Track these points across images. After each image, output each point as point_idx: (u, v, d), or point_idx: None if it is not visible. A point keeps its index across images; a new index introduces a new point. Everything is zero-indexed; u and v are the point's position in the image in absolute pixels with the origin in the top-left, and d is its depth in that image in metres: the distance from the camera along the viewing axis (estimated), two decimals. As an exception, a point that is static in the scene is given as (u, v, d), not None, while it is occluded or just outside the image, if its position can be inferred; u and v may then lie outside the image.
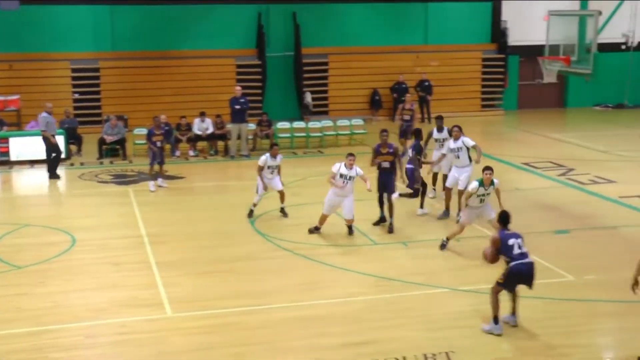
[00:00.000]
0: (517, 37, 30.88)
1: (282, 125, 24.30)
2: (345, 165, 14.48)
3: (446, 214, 15.67)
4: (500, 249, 10.15)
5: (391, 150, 14.87)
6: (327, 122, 24.94)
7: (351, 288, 11.88)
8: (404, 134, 21.81)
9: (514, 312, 10.48)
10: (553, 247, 13.89)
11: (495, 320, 10.18)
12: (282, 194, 15.96)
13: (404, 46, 29.84)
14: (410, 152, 15.89)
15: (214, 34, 28.17)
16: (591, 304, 11.30)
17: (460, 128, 15.72)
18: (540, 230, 14.82)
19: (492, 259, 10.29)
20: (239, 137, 22.36)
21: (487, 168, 13.11)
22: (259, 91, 28.13)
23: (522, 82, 31.88)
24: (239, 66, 28.19)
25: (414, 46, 30.03)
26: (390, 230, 14.63)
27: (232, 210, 16.40)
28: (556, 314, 10.84)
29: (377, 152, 15.02)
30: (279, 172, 15.97)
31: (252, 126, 23.62)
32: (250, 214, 15.81)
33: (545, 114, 30.81)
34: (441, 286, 11.88)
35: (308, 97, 28.38)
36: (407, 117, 22.21)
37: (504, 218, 10.42)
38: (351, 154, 14.55)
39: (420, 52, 30.04)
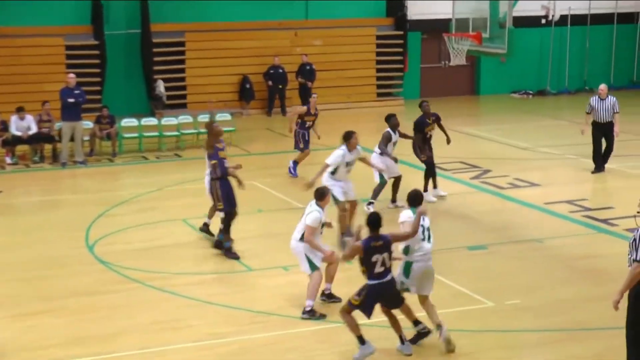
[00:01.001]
0: (417, 10, 31.54)
1: (128, 122, 23.92)
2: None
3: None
4: (361, 260, 10.50)
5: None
6: (185, 118, 24.74)
7: (219, 327, 11.77)
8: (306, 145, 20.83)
9: (402, 339, 10.76)
10: (467, 266, 14.17)
11: (361, 340, 10.50)
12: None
13: (279, 21, 29.97)
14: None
15: (36, 7, 27.46)
16: (515, 335, 11.57)
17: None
18: (450, 246, 15.08)
19: (344, 260, 11.21)
20: (72, 139, 21.87)
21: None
22: (97, 79, 27.64)
23: (425, 64, 32.58)
24: (69, 47, 27.64)
25: (292, 21, 30.21)
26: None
27: (65, 232, 16.01)
28: (473, 347, 11.03)
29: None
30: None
31: (89, 124, 23.20)
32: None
33: (454, 103, 31.53)
34: (330, 320, 11.91)
35: (160, 87, 28.06)
36: (309, 124, 20.86)
37: (373, 222, 10.60)
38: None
39: (300, 28, 30.24)
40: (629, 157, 21.86)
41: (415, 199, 11.14)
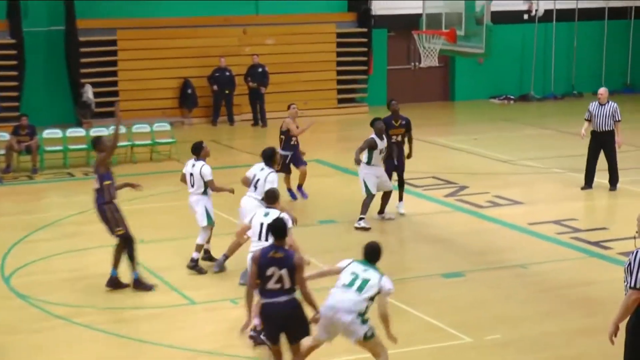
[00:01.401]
0: (383, 4, 31.70)
1: (51, 133, 23.76)
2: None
3: None
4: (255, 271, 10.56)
5: None
6: (117, 128, 24.61)
7: (156, 369, 11.70)
8: (289, 165, 19.95)
9: None
10: (442, 296, 14.19)
11: None
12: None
13: (226, 17, 29.99)
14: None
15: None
16: (496, 375, 11.61)
17: None
18: (422, 273, 15.12)
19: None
20: None
21: None
22: (13, 84, 27.52)
23: (392, 66, 32.73)
24: (-18, 47, 27.48)
25: (241, 17, 30.26)
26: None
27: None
28: (448, 391, 11.05)
29: None
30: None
31: (4, 136, 23.01)
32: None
33: (426, 110, 31.65)
34: (286, 360, 11.86)
35: (89, 92, 27.94)
36: (294, 140, 19.91)
37: (276, 228, 10.64)
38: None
39: (250, 25, 30.27)
40: (624, 171, 21.99)
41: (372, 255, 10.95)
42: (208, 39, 29.76)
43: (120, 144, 23.93)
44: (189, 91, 29.20)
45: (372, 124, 17.88)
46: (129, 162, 23.78)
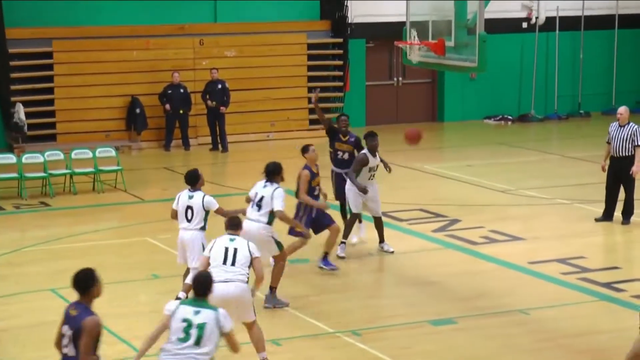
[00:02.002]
0: (361, 10, 31.83)
1: (-23, 159, 23.75)
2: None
3: None
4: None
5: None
6: (54, 154, 24.55)
7: None
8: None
9: None
10: (431, 347, 14.23)
11: None
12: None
13: (180, 25, 30.07)
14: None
15: None
16: None
17: None
18: (408, 320, 15.17)
19: None
20: None
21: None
22: None
23: (371, 82, 32.84)
24: None
25: (197, 25, 30.34)
26: None
27: None
28: None
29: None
30: None
31: None
32: None
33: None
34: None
35: (20, 113, 27.89)
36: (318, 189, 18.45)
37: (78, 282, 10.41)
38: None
39: (207, 35, 30.35)
40: (638, 201, 22.21)
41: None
42: (159, 50, 29.83)
43: (58, 172, 24.03)
44: (137, 111, 29.20)
45: (366, 138, 18.25)
46: (68, 193, 23.73)
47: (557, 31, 34.05)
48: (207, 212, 15.24)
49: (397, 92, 33.06)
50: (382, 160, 18.66)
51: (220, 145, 29.17)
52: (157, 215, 21.68)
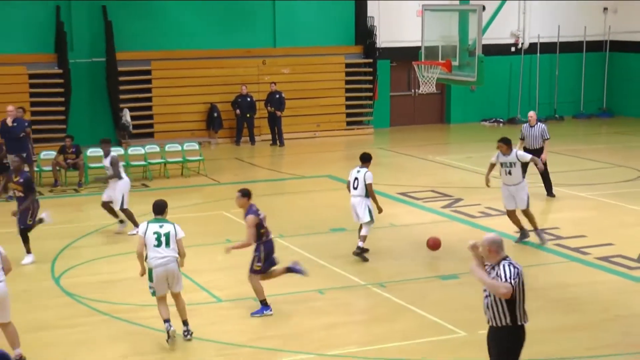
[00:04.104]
0: (387, 37, 31.80)
1: (94, 152, 23.81)
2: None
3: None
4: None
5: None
6: (152, 148, 24.71)
7: (187, 359, 11.73)
8: None
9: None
10: (440, 296, 14.23)
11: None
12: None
13: (247, 49, 30.09)
14: None
15: (-1, 34, 27.48)
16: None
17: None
18: (422, 275, 15.17)
19: None
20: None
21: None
22: (61, 108, 27.59)
23: (394, 92, 32.80)
24: (32, 76, 27.58)
25: (260, 49, 30.34)
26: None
27: (30, 265, 15.91)
28: (446, 379, 11.09)
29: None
30: None
31: (51, 154, 23.20)
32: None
33: (425, 132, 31.77)
34: (301, 351, 11.92)
35: (126, 116, 28.04)
36: None
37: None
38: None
39: (268, 57, 30.37)
40: (600, 185, 22.10)
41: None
42: (231, 68, 29.86)
43: (155, 161, 24.17)
44: (215, 115, 29.28)
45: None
46: (163, 177, 23.88)
47: (538, 54, 33.88)
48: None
49: (413, 100, 32.96)
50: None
51: (278, 141, 29.21)
52: (229, 194, 21.69)
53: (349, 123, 31.40)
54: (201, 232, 18.16)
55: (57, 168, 23.00)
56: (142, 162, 24.01)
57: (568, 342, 12.14)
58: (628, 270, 15.40)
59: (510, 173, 17.05)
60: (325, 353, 11.85)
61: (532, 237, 17.22)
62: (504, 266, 9.15)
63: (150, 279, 12.28)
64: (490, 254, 9.19)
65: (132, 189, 22.48)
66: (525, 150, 20.45)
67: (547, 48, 33.93)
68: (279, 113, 29.10)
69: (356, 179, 16.00)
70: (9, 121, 21.44)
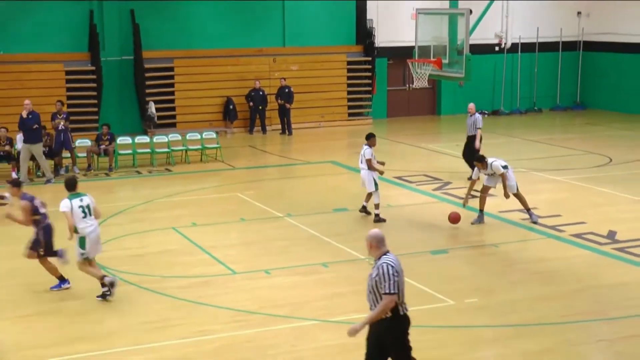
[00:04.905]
0: (384, 37, 31.67)
1: (123, 140, 23.81)
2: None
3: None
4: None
5: None
6: (174, 136, 24.65)
7: (205, 325, 11.71)
8: None
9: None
10: (430, 269, 14.19)
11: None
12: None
13: (260, 48, 29.98)
14: None
15: (38, 35, 27.40)
16: (474, 331, 11.59)
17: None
18: (415, 250, 15.12)
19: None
20: (31, 159, 21.57)
21: None
22: (93, 102, 27.56)
23: (391, 87, 32.69)
24: (68, 72, 27.52)
25: (271, 48, 30.23)
26: None
27: (66, 241, 15.84)
28: (436, 343, 11.05)
29: None
30: None
31: (86, 142, 23.18)
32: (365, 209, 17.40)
33: (418, 122, 31.68)
34: (307, 318, 11.90)
35: (152, 108, 27.97)
36: None
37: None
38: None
39: (278, 55, 30.26)
40: (574, 170, 22.01)
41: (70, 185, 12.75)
42: (246, 65, 29.75)
43: (177, 148, 24.12)
44: (231, 107, 29.19)
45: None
46: (184, 162, 23.84)
47: (519, 53, 33.71)
48: None
49: (408, 94, 32.82)
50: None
51: (287, 131, 29.12)
52: (244, 178, 21.75)
53: (350, 114, 31.32)
54: (218, 211, 18.14)
55: (91, 154, 22.97)
56: (166, 149, 23.95)
57: (544, 310, 12.10)
58: (598, 245, 15.34)
59: (492, 177, 17.06)
60: (329, 319, 11.82)
61: (520, 215, 17.14)
62: (382, 267, 8.53)
63: (83, 247, 12.60)
64: (372, 249, 8.64)
65: (156, 173, 22.58)
66: (467, 137, 21.04)
67: (527, 48, 33.78)
68: (288, 105, 29.01)
69: (362, 155, 16.92)
70: (24, 114, 21.21)
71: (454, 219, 16.53)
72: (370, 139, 17.11)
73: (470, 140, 20.90)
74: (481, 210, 17.08)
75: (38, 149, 21.23)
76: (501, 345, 11.08)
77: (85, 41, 27.95)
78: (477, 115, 20.90)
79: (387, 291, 8.50)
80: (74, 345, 11.01)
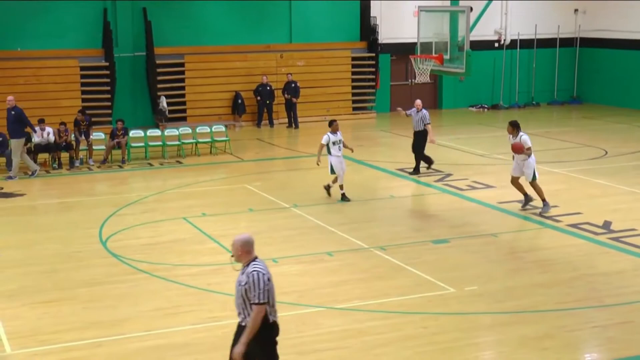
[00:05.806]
0: (387, 34, 31.62)
1: (135, 133, 23.83)
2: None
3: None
4: None
5: None
6: (185, 130, 24.67)
7: (215, 312, 11.74)
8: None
9: None
10: (432, 258, 14.20)
11: None
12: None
13: (267, 45, 29.97)
14: None
15: (54, 32, 27.43)
16: (473, 317, 11.61)
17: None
18: (417, 240, 15.13)
19: None
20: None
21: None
22: (107, 96, 27.57)
23: (394, 82, 32.66)
24: (83, 68, 27.53)
25: (278, 45, 30.20)
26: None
27: (81, 230, 15.93)
28: (436, 329, 11.07)
29: None
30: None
31: (100, 135, 23.22)
32: (328, 191, 18.12)
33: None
34: (312, 305, 11.93)
35: (163, 102, 27.98)
36: None
37: None
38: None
39: (285, 51, 30.24)
40: (570, 162, 22.00)
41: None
42: (253, 61, 29.71)
43: (188, 141, 24.15)
44: (239, 101, 29.18)
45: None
46: (194, 155, 23.87)
47: (518, 49, 33.64)
48: None
49: (410, 89, 32.78)
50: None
51: (293, 124, 29.13)
52: (251, 170, 21.77)
53: (354, 108, 31.30)
54: (227, 202, 18.17)
55: (112, 148, 22.85)
56: (177, 142, 23.96)
57: (541, 297, 12.11)
58: (594, 235, 15.35)
59: (517, 166, 17.01)
60: (334, 306, 11.85)
61: (518, 206, 17.14)
62: (253, 275, 8.17)
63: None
64: (242, 255, 8.22)
65: (167, 165, 22.63)
66: (414, 133, 20.64)
67: (526, 44, 33.70)
68: (294, 100, 29.01)
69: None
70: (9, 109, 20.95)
71: (517, 148, 16.55)
72: (331, 125, 17.91)
73: (417, 135, 20.53)
74: (524, 194, 17.11)
75: (18, 144, 20.62)
76: (499, 331, 11.10)
77: (99, 38, 27.96)
78: (424, 111, 20.50)
79: (257, 301, 8.07)
80: (89, 331, 11.06)
